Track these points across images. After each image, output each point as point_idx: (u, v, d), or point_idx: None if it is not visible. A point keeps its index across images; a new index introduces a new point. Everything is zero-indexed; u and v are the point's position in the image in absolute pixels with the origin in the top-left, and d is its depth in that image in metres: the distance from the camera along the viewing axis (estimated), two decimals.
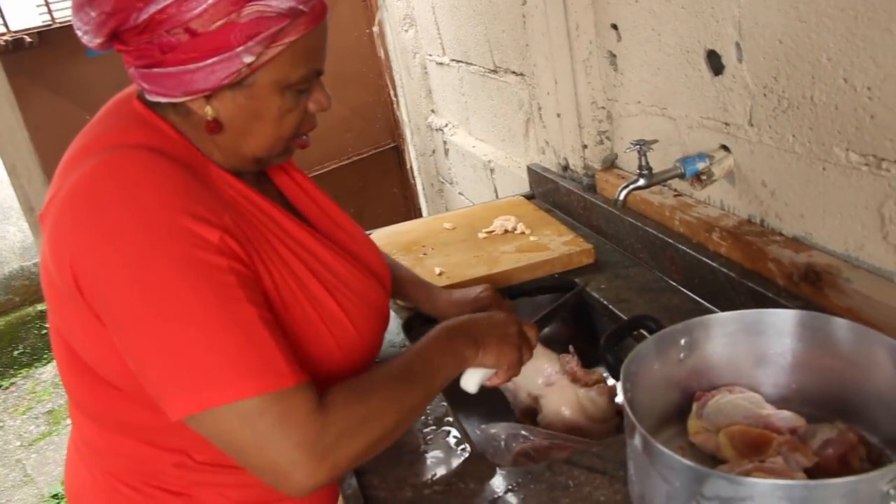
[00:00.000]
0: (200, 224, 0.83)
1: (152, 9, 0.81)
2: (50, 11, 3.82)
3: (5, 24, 3.67)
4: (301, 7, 0.85)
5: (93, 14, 0.83)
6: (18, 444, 4.07)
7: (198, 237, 0.82)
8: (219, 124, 0.90)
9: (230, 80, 0.85)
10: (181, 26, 0.82)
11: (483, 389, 1.11)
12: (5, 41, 3.49)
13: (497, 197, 2.61)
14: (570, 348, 1.27)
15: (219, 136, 0.92)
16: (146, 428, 0.95)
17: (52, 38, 3.60)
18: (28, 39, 3.50)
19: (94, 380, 0.93)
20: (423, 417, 1.21)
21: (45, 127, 2.60)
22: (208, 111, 0.89)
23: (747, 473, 0.83)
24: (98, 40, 0.86)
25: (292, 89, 0.91)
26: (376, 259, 1.15)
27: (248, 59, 0.84)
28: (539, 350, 1.26)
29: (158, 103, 0.91)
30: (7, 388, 4.68)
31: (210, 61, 0.84)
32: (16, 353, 4.82)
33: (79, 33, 0.87)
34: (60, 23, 3.73)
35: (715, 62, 1.30)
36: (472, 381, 1.08)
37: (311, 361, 0.93)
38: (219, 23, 0.82)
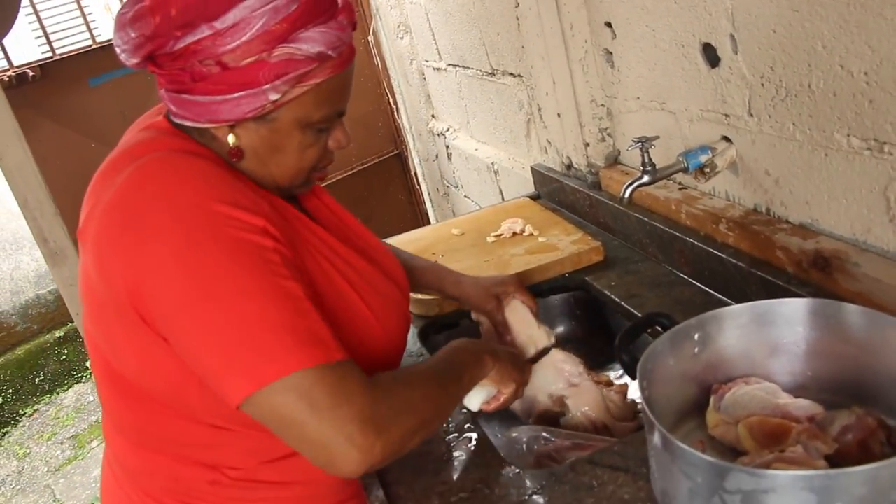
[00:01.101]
0: (242, 212, 0.85)
1: (189, 39, 0.85)
2: (50, 44, 3.87)
3: (8, 60, 3.73)
4: (330, 52, 0.89)
5: (133, 35, 0.87)
6: (46, 469, 4.11)
7: (242, 221, 0.84)
8: (241, 151, 0.94)
9: (254, 114, 0.89)
10: (214, 58, 0.85)
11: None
12: (9, 76, 3.54)
13: (503, 198, 2.62)
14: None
15: (241, 162, 0.95)
16: (183, 444, 0.97)
17: (54, 71, 3.65)
18: (31, 73, 3.55)
19: (133, 396, 0.95)
20: (444, 426, 1.22)
21: (52, 157, 2.64)
22: (231, 139, 0.92)
23: (768, 464, 0.84)
24: (134, 60, 0.90)
25: (313, 127, 0.94)
26: (395, 267, 1.18)
27: (274, 96, 0.88)
28: (557, 354, 1.27)
29: (184, 125, 0.95)
30: (31, 415, 4.73)
31: (237, 95, 0.87)
32: (37, 380, 4.87)
33: (117, 50, 0.91)
34: (61, 55, 3.78)
35: (711, 55, 1.31)
36: (476, 399, 1.11)
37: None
38: (250, 59, 0.86)
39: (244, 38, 0.84)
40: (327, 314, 0.93)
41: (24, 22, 4.44)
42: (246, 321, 0.81)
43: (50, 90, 3.59)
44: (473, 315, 1.40)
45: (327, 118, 0.95)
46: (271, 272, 0.84)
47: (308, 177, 1.01)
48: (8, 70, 3.67)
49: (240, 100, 0.88)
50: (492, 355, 1.09)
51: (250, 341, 0.81)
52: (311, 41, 0.87)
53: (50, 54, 3.82)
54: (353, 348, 0.96)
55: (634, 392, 1.27)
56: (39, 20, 3.97)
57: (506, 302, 1.34)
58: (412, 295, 1.61)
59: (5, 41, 3.58)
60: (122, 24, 0.88)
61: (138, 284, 0.84)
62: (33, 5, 4.01)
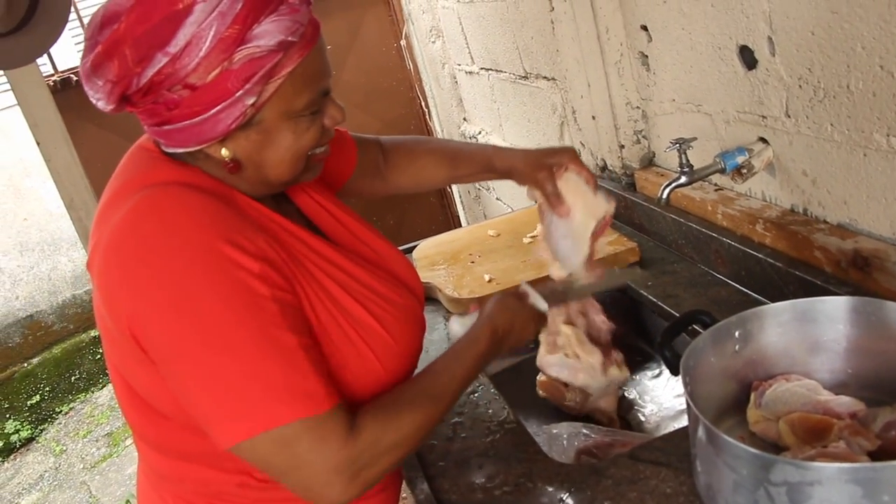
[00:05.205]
0: (240, 253, 0.86)
1: (150, 72, 0.85)
2: None
3: (53, 65, 3.82)
4: (291, 38, 0.87)
5: (100, 83, 0.88)
6: (82, 466, 4.20)
7: (239, 267, 0.86)
8: (238, 163, 0.94)
9: (238, 122, 0.89)
10: (180, 83, 0.85)
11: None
12: (54, 81, 3.63)
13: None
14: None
15: (239, 173, 0.95)
16: (206, 454, 0.98)
17: None
18: (75, 78, 3.64)
19: (152, 412, 0.98)
20: (485, 423, 1.25)
21: (94, 160, 2.69)
22: (225, 153, 0.92)
23: (812, 459, 0.86)
24: (111, 106, 0.90)
25: (303, 114, 0.93)
26: (405, 269, 1.17)
27: (251, 99, 0.87)
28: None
29: (177, 153, 0.95)
30: (67, 413, 4.83)
31: (214, 111, 0.87)
32: (73, 378, 4.97)
33: (93, 101, 0.91)
34: None
35: (748, 57, 1.32)
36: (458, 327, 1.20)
37: (351, 375, 0.97)
38: (214, 73, 0.85)
39: (201, 54, 0.84)
40: (331, 337, 0.96)
41: (67, 27, 4.54)
42: (235, 375, 0.84)
43: None
44: (528, 194, 1.29)
45: (313, 102, 0.94)
46: (266, 322, 0.86)
47: (309, 163, 1.00)
48: (53, 75, 3.76)
49: (219, 114, 0.87)
50: (500, 347, 1.11)
51: (237, 395, 0.84)
52: (268, 34, 0.86)
53: None
54: (363, 363, 0.98)
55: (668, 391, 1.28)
56: (83, 25, 4.06)
57: (559, 174, 1.22)
58: (450, 293, 1.64)
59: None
60: (86, 75, 0.89)
61: (139, 322, 0.87)
62: (76, 10, 4.10)
